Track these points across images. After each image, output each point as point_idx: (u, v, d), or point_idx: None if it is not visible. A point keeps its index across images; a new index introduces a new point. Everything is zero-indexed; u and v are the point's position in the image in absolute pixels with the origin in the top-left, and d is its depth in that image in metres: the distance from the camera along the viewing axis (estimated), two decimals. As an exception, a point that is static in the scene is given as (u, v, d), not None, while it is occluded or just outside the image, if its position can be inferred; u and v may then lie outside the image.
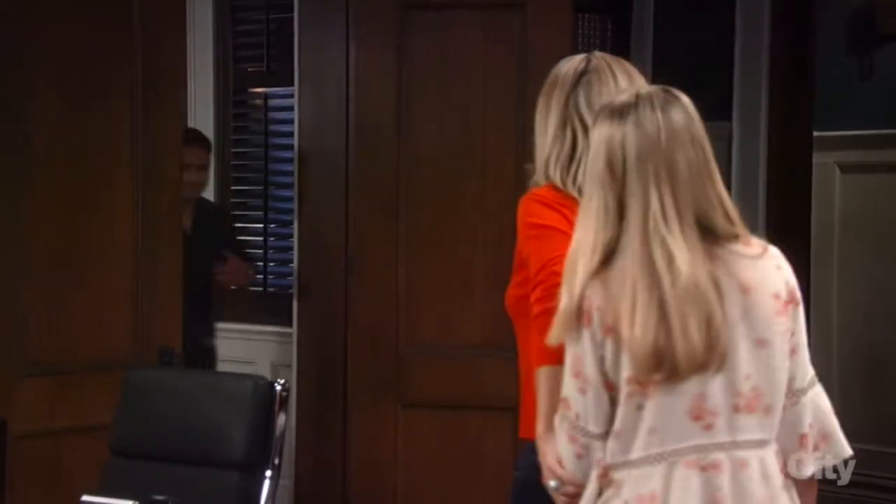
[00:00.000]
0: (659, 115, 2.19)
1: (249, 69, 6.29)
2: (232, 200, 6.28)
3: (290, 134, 5.53)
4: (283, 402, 3.22)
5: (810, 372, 2.30)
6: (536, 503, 2.39)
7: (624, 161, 2.18)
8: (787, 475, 2.26)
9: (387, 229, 4.49)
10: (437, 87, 4.49)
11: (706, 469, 2.17)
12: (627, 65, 2.73)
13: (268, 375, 5.20)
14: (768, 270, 2.24)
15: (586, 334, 2.18)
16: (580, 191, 2.57)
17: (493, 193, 4.35)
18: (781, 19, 5.46)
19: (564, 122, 2.65)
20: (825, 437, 2.31)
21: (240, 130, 6.43)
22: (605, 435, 2.21)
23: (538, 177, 2.69)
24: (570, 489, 2.29)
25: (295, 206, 5.34)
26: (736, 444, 2.18)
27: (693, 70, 5.47)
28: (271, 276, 6.09)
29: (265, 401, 3.21)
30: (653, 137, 2.18)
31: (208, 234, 5.19)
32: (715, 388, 2.16)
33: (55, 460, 3.96)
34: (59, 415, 3.97)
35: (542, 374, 2.43)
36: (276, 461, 3.19)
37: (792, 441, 2.28)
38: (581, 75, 2.67)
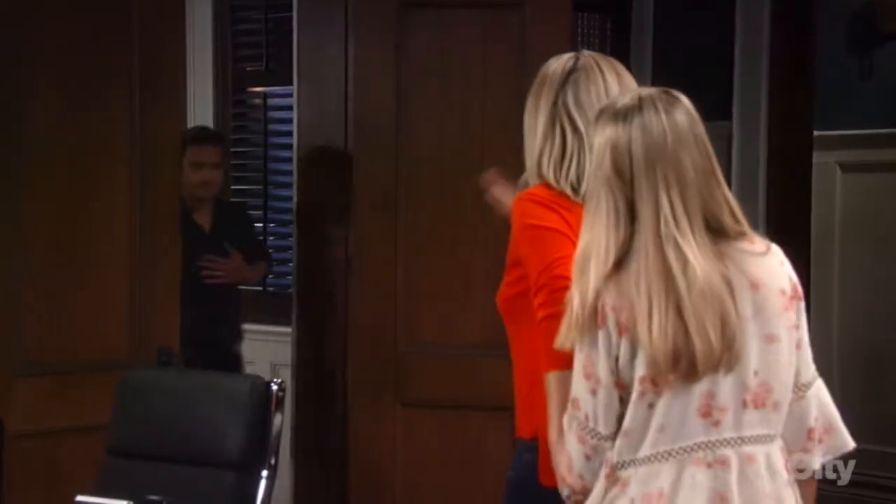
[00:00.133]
0: (664, 117, 2.21)
1: (248, 68, 6.29)
2: (231, 200, 6.28)
3: (290, 133, 5.53)
4: (280, 402, 3.21)
5: (812, 366, 2.33)
6: (529, 503, 2.39)
7: (631, 164, 2.20)
8: (791, 471, 2.27)
9: (386, 228, 4.48)
10: (436, 86, 4.49)
11: (713, 465, 2.18)
12: (616, 63, 2.73)
13: (267, 375, 5.18)
14: (774, 267, 2.27)
15: (601, 335, 2.19)
16: (573, 188, 2.58)
17: (493, 193, 4.34)
18: (781, 19, 5.46)
19: (554, 121, 2.66)
20: (829, 430, 2.34)
21: (239, 130, 6.43)
22: (615, 436, 2.22)
23: (529, 175, 2.70)
24: (581, 498, 2.29)
25: (294, 205, 5.34)
26: (742, 440, 2.20)
27: (693, 70, 5.47)
28: (270, 276, 6.09)
29: (261, 401, 3.20)
30: (659, 140, 2.20)
31: (228, 234, 5.14)
32: (725, 385, 2.18)
33: (53, 460, 3.96)
34: (57, 415, 3.97)
35: (553, 380, 2.42)
36: (273, 461, 3.19)
37: (800, 435, 2.30)
38: (569, 74, 2.67)
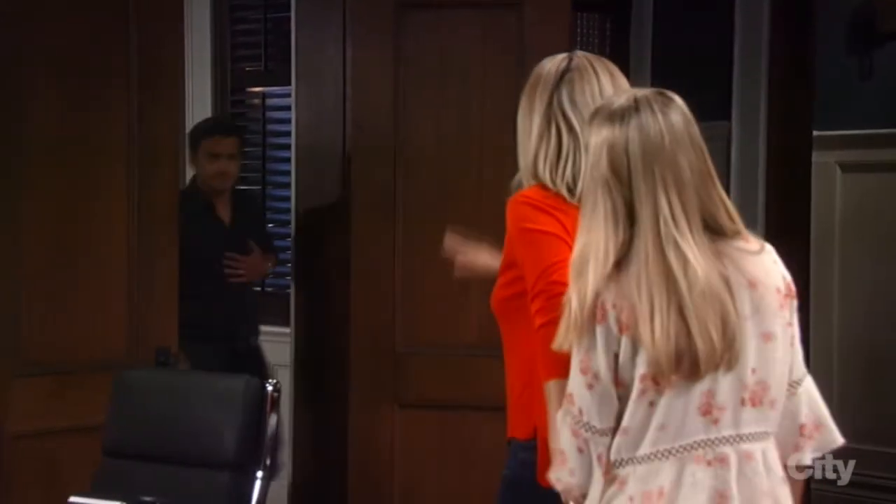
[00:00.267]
0: (660, 118, 2.22)
1: (247, 68, 6.29)
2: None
3: (288, 133, 5.53)
4: (275, 403, 3.21)
5: (802, 362, 2.34)
6: (523, 502, 2.39)
7: (629, 165, 2.20)
8: (783, 467, 2.28)
9: (385, 228, 4.48)
10: (434, 87, 4.48)
11: (713, 463, 2.19)
12: (609, 63, 2.74)
13: (266, 375, 5.18)
14: (769, 265, 2.28)
15: (599, 330, 2.19)
16: (569, 188, 2.58)
17: (491, 192, 4.34)
18: (781, 19, 5.45)
19: (549, 121, 2.66)
20: (819, 426, 2.35)
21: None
22: (609, 431, 2.22)
23: (523, 176, 2.70)
24: (578, 496, 2.29)
25: (292, 205, 5.34)
26: (741, 438, 2.21)
27: (693, 70, 5.46)
28: (269, 276, 6.08)
29: (256, 401, 3.20)
30: (657, 141, 2.20)
31: (247, 226, 5.09)
32: (725, 383, 2.19)
33: (52, 460, 3.96)
34: (55, 415, 3.97)
35: (553, 388, 2.42)
36: (268, 461, 3.18)
37: (792, 431, 2.31)
38: (564, 74, 2.68)
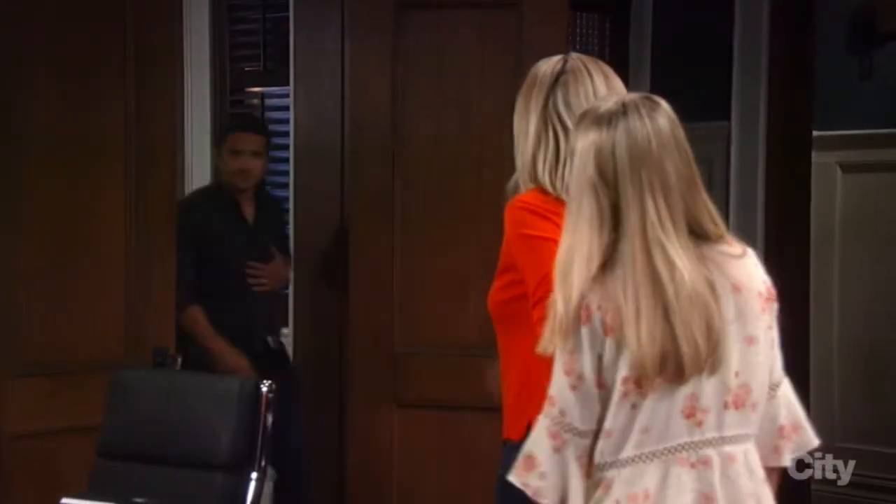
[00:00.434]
0: (648, 122, 2.23)
1: (246, 68, 6.29)
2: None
3: (287, 133, 5.53)
4: (270, 403, 3.20)
5: (781, 365, 2.36)
6: (520, 501, 2.38)
7: (615, 168, 2.21)
8: (764, 468, 2.30)
9: (383, 229, 4.47)
10: (433, 86, 4.48)
11: (696, 465, 2.20)
12: (604, 65, 2.75)
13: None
14: (751, 269, 2.30)
15: (584, 331, 2.19)
16: (568, 191, 2.57)
17: (490, 193, 4.33)
18: (781, 19, 5.45)
19: (546, 124, 2.68)
20: (796, 428, 2.37)
21: (237, 130, 6.40)
22: (590, 433, 2.22)
23: (521, 177, 2.70)
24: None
25: (291, 204, 5.33)
26: (723, 440, 2.22)
27: (692, 70, 5.46)
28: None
29: (251, 402, 3.19)
30: (644, 145, 2.21)
31: (268, 228, 5.00)
32: (708, 386, 2.20)
33: (50, 461, 3.95)
34: (53, 415, 3.96)
35: None
36: (262, 462, 3.18)
37: (771, 433, 2.33)
38: (559, 76, 2.69)
